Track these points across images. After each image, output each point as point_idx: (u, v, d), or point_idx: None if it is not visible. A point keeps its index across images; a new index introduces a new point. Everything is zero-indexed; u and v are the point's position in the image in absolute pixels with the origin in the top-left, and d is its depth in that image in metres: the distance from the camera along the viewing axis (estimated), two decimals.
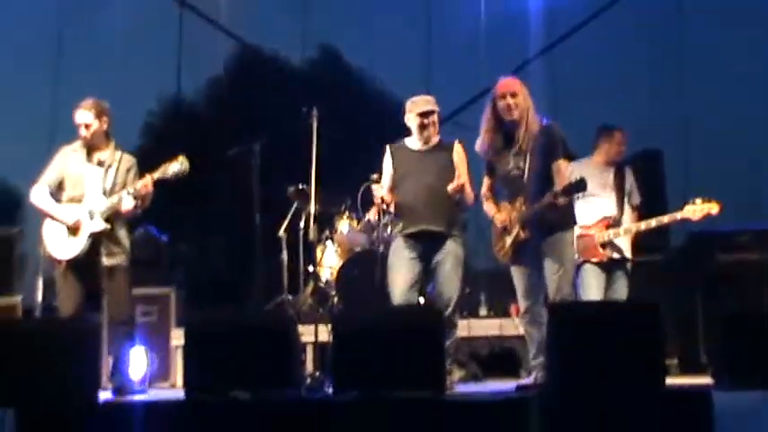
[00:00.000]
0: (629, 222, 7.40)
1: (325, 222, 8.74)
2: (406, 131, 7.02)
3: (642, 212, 7.48)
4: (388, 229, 7.70)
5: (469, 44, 12.03)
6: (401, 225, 6.89)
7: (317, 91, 12.56)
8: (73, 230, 6.79)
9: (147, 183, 6.75)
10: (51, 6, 11.53)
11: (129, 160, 7.01)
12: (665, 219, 7.29)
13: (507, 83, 6.46)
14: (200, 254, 13.70)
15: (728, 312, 5.45)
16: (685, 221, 7.26)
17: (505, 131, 6.47)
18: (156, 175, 6.77)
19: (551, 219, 6.29)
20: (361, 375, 5.41)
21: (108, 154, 6.94)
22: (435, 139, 6.98)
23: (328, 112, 7.74)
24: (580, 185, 6.08)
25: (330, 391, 5.77)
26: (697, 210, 7.09)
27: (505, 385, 6.80)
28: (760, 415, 4.94)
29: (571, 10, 11.17)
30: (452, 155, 6.92)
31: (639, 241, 7.50)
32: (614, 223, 7.36)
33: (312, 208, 7.51)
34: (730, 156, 12.09)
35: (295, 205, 8.97)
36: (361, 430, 5.21)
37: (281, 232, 9.04)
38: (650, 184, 8.18)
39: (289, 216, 9.01)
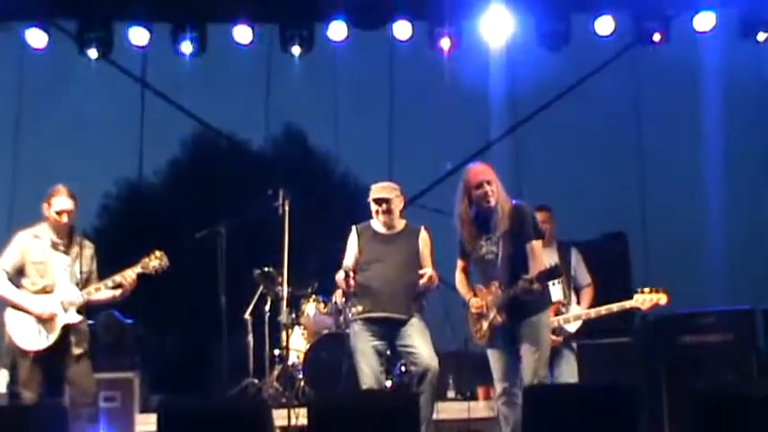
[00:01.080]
0: (576, 305, 7.46)
1: (292, 305, 8.71)
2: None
3: (595, 292, 7.54)
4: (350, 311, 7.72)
5: (431, 128, 12.18)
6: (361, 308, 6.96)
7: (281, 172, 12.62)
8: (45, 322, 6.69)
9: (132, 278, 6.80)
10: (11, 84, 11.45)
11: (90, 247, 7.01)
12: (615, 307, 7.34)
13: (481, 170, 6.48)
14: (163, 338, 13.54)
15: (705, 392, 5.45)
16: (634, 310, 7.36)
17: (478, 218, 6.49)
18: (138, 269, 6.82)
19: (526, 303, 6.30)
20: None
21: (71, 241, 6.90)
22: (400, 224, 7.09)
23: (293, 194, 7.77)
24: (554, 272, 6.13)
25: None
26: (646, 299, 7.20)
27: None
28: None
29: (533, 94, 11.33)
30: (418, 242, 7.04)
31: (601, 323, 7.54)
32: (563, 307, 7.40)
33: (285, 290, 7.46)
34: (688, 239, 12.24)
35: (261, 288, 8.96)
36: None
37: (247, 315, 9.02)
38: (615, 265, 8.25)
39: (255, 299, 8.99)
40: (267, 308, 8.94)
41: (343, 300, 8.80)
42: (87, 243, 7.01)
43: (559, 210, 7.73)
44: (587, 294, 7.54)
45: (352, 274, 6.95)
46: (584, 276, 7.60)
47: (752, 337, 8.31)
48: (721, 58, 10.76)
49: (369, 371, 6.83)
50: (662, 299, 7.19)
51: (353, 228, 7.21)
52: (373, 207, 7.05)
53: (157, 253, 6.87)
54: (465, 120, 11.93)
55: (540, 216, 7.54)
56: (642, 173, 11.26)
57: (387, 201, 7.03)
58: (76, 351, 6.77)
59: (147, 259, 6.85)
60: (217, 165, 15.63)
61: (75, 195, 6.86)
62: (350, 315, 7.28)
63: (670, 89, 12.03)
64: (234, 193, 12.77)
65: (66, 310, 6.71)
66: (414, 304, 6.96)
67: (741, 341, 8.25)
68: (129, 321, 9.12)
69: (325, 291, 9.19)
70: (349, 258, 7.12)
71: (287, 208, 7.38)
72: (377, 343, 6.90)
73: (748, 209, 12.09)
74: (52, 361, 6.70)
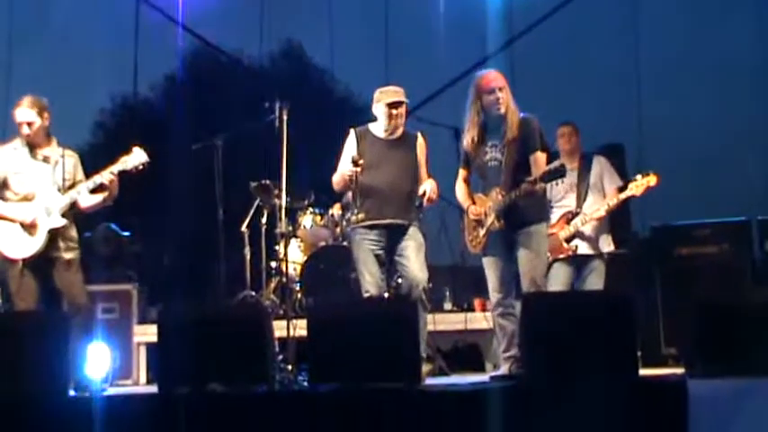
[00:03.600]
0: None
1: (288, 218, 8.71)
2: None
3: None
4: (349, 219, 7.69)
5: (427, 40, 12.07)
6: (362, 215, 6.88)
7: (278, 86, 12.53)
8: (29, 228, 6.68)
9: (112, 176, 6.70)
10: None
11: (72, 155, 6.93)
12: (612, 202, 7.40)
13: (494, 77, 6.46)
14: (160, 251, 13.56)
15: (700, 301, 5.48)
16: (631, 199, 7.43)
17: (486, 124, 6.49)
18: (117, 167, 6.71)
19: (525, 211, 6.32)
20: (336, 367, 5.38)
21: (51, 150, 6.85)
22: (400, 131, 7.00)
23: (291, 108, 7.70)
24: (559, 171, 6.10)
25: (305, 383, 5.74)
26: (639, 185, 7.27)
27: (476, 378, 6.81)
28: (734, 402, 4.97)
29: (530, 5, 11.21)
30: (416, 148, 6.99)
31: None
32: (573, 217, 7.42)
33: (283, 200, 7.42)
34: (685, 150, 12.23)
35: (257, 201, 8.95)
36: (338, 422, 5.18)
37: (244, 228, 9.02)
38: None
39: (251, 211, 8.99)
40: (264, 220, 8.92)
41: (339, 213, 8.89)
42: (70, 152, 6.92)
43: (556, 124, 7.71)
44: (609, 196, 7.50)
45: (360, 163, 6.80)
46: (611, 180, 7.58)
47: (748, 247, 8.35)
48: None
49: (371, 278, 6.82)
50: (651, 180, 7.26)
51: (352, 131, 7.09)
52: (386, 111, 6.90)
53: (135, 149, 6.75)
54: (461, 33, 11.81)
55: (564, 129, 7.59)
56: (638, 85, 11.20)
57: (402, 104, 6.93)
58: (66, 256, 6.73)
59: (125, 156, 6.73)
60: (213, 80, 15.52)
61: (41, 105, 6.76)
62: (350, 222, 7.21)
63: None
64: (230, 108, 12.73)
65: (49, 214, 6.67)
66: (412, 210, 6.94)
67: (737, 252, 8.29)
68: (127, 234, 9.13)
69: (322, 203, 9.22)
70: (345, 160, 7.01)
71: (285, 118, 7.31)
72: (378, 251, 6.87)
73: (742, 121, 12.07)
74: (42, 268, 6.68)
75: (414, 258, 6.83)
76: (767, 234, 8.29)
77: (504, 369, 6.37)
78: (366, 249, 6.88)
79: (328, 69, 15.92)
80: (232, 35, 13.42)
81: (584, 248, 7.38)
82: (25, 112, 6.72)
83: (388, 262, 6.92)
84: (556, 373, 5.25)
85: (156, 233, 13.07)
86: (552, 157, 6.54)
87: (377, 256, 6.87)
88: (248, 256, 8.98)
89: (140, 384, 8.36)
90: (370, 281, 6.82)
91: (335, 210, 8.98)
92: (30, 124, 6.72)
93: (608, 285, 7.40)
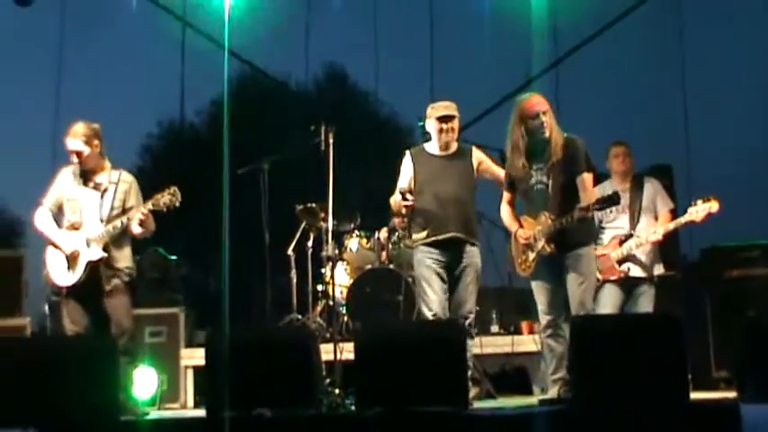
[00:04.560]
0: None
1: (335, 241, 8.70)
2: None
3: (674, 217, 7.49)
4: (403, 240, 7.61)
5: (473, 62, 12.07)
6: (425, 233, 6.84)
7: (323, 109, 12.57)
8: (71, 259, 6.73)
9: (141, 215, 6.70)
10: (52, 24, 11.42)
11: (126, 180, 6.94)
12: (672, 225, 7.31)
13: (539, 101, 6.45)
14: (207, 275, 13.63)
15: (753, 324, 5.41)
16: (690, 224, 7.29)
17: (530, 148, 6.46)
18: (149, 206, 6.73)
19: (574, 234, 6.29)
20: (383, 391, 5.37)
21: (105, 175, 6.88)
22: (454, 146, 6.99)
23: (336, 130, 7.71)
24: (613, 198, 6.07)
25: (352, 407, 5.72)
26: (700, 210, 7.14)
27: (523, 402, 6.76)
28: None
29: (575, 27, 11.17)
30: (472, 159, 6.96)
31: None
32: (626, 239, 7.36)
33: (330, 223, 7.42)
34: (733, 170, 12.11)
35: (303, 224, 8.96)
36: None
37: (290, 251, 9.03)
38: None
39: (297, 235, 9.00)
40: (310, 243, 8.93)
41: (386, 236, 8.88)
42: (125, 176, 6.94)
43: (601, 145, 7.66)
44: (663, 218, 7.42)
45: (409, 195, 6.81)
46: (663, 203, 7.50)
47: None
48: None
49: (435, 297, 6.73)
50: (713, 206, 7.12)
51: (407, 152, 7.10)
52: (437, 126, 6.88)
53: (171, 189, 6.74)
54: (506, 54, 11.80)
55: (618, 150, 7.54)
56: (685, 106, 11.12)
57: (453, 118, 6.90)
58: (107, 287, 6.76)
59: (158, 195, 6.73)
60: (259, 104, 15.58)
61: (89, 133, 6.79)
62: (411, 240, 7.10)
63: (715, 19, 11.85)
64: (276, 133, 12.76)
65: (89, 246, 6.72)
66: (473, 225, 6.89)
67: None
68: (174, 258, 9.17)
69: (368, 226, 9.21)
70: (404, 181, 6.99)
71: (331, 141, 7.33)
72: (441, 267, 6.79)
73: None
74: (85, 296, 6.72)
75: (470, 288, 6.79)
76: None
77: (552, 392, 6.31)
78: (429, 268, 6.81)
79: (372, 92, 15.98)
80: (277, 60, 13.48)
81: (636, 271, 7.31)
82: (74, 143, 6.76)
83: (448, 280, 6.85)
84: (605, 397, 5.20)
85: (202, 258, 13.14)
86: (600, 178, 6.50)
87: (439, 274, 6.79)
88: (294, 280, 8.99)
89: (188, 408, 8.36)
90: (435, 299, 6.73)
91: (382, 233, 8.97)
92: (79, 154, 6.77)
93: (658, 308, 7.33)
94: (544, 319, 6.43)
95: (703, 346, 8.13)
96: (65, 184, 6.86)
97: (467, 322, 6.68)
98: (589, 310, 6.25)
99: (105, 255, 6.74)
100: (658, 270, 7.42)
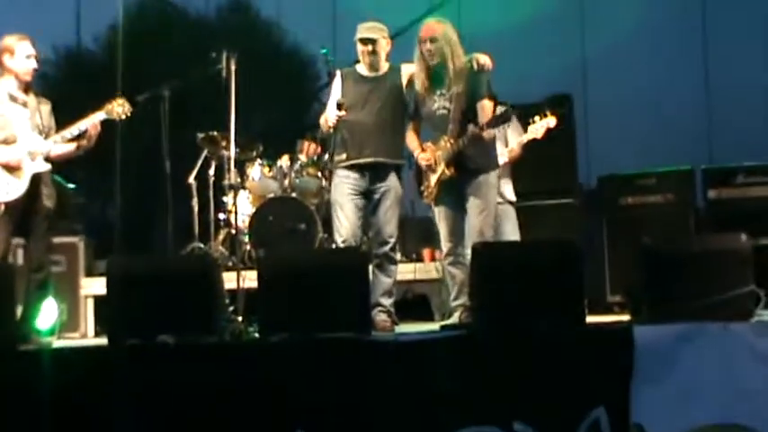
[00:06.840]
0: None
1: (237, 169, 8.64)
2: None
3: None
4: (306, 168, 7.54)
5: None
6: (345, 155, 6.82)
7: (225, 37, 12.38)
8: (12, 171, 6.56)
9: (95, 123, 6.62)
10: None
11: (47, 103, 6.84)
12: (515, 147, 7.44)
13: (428, 27, 6.49)
14: (106, 205, 13.40)
15: (647, 249, 5.55)
16: (533, 142, 7.41)
17: (433, 72, 6.50)
18: (102, 115, 6.65)
19: (474, 159, 6.36)
20: (286, 318, 5.38)
21: (27, 96, 6.73)
22: (385, 66, 6.94)
23: (238, 58, 7.61)
24: (505, 116, 6.16)
25: (256, 335, 5.74)
26: (539, 127, 7.30)
27: (425, 327, 6.84)
28: (680, 348, 5.07)
29: None
30: (401, 78, 6.89)
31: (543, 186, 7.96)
32: None
33: (232, 151, 7.35)
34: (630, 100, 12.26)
35: (205, 152, 8.88)
36: (287, 372, 5.19)
37: (191, 179, 8.95)
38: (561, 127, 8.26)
39: (199, 163, 8.92)
40: (211, 172, 8.84)
41: (288, 164, 8.84)
42: (44, 99, 6.84)
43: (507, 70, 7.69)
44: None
45: (343, 112, 6.68)
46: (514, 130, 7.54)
47: (691, 196, 8.47)
48: None
49: (347, 224, 6.73)
50: (551, 121, 7.29)
51: (338, 71, 7.03)
52: (359, 48, 6.84)
53: (119, 99, 6.70)
54: None
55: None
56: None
57: (373, 41, 6.82)
58: (47, 203, 6.66)
59: (109, 105, 6.67)
60: (159, 31, 15.28)
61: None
62: (332, 163, 7.01)
63: None
64: (177, 60, 12.53)
65: (32, 159, 6.57)
66: (396, 148, 6.84)
67: (680, 200, 8.41)
68: (72, 186, 9.01)
69: (270, 155, 9.16)
70: (332, 102, 6.88)
71: (232, 68, 7.24)
72: (356, 194, 6.79)
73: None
74: (20, 215, 6.59)
75: (390, 213, 6.80)
76: (710, 182, 8.40)
77: (453, 318, 6.42)
78: (345, 193, 6.80)
79: (275, 21, 15.77)
80: None
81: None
82: (30, 48, 6.64)
83: (365, 205, 6.84)
84: (504, 322, 5.29)
85: (100, 187, 12.94)
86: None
87: (355, 203, 6.79)
88: (196, 209, 8.92)
89: (88, 337, 8.31)
90: (346, 226, 6.74)
91: (284, 161, 8.93)
92: (38, 58, 6.64)
93: (554, 235, 7.47)
94: (445, 246, 6.51)
95: (599, 272, 8.35)
96: None
97: (388, 247, 6.73)
98: (488, 238, 6.32)
99: (50, 167, 6.61)
100: (511, 195, 7.52)
